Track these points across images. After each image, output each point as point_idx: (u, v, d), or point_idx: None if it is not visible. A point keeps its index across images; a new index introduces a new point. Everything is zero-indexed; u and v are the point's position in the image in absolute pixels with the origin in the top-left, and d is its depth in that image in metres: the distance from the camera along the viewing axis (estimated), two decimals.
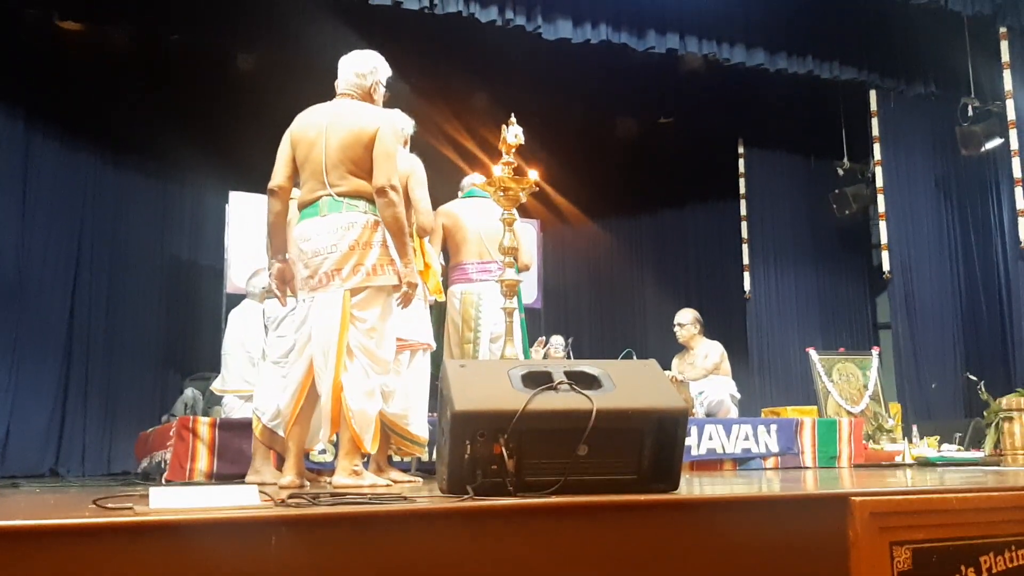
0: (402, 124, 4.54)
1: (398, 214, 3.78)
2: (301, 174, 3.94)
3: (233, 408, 5.70)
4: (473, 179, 5.35)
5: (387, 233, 3.83)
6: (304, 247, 3.85)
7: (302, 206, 3.91)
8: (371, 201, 3.82)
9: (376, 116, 3.92)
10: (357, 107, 3.98)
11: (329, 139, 3.85)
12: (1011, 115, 8.25)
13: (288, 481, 3.80)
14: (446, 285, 5.10)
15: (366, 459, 4.13)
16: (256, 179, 8.19)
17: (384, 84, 4.21)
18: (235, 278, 7.78)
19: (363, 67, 4.12)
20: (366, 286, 3.77)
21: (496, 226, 4.46)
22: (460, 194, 5.40)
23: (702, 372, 7.08)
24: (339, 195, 3.81)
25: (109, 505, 2.00)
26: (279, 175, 3.94)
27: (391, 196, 3.75)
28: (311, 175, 3.88)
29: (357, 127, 3.84)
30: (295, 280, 3.95)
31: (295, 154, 3.94)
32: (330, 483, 3.84)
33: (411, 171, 4.46)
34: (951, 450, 6.99)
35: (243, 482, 4.20)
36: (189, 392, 6.49)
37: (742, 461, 6.17)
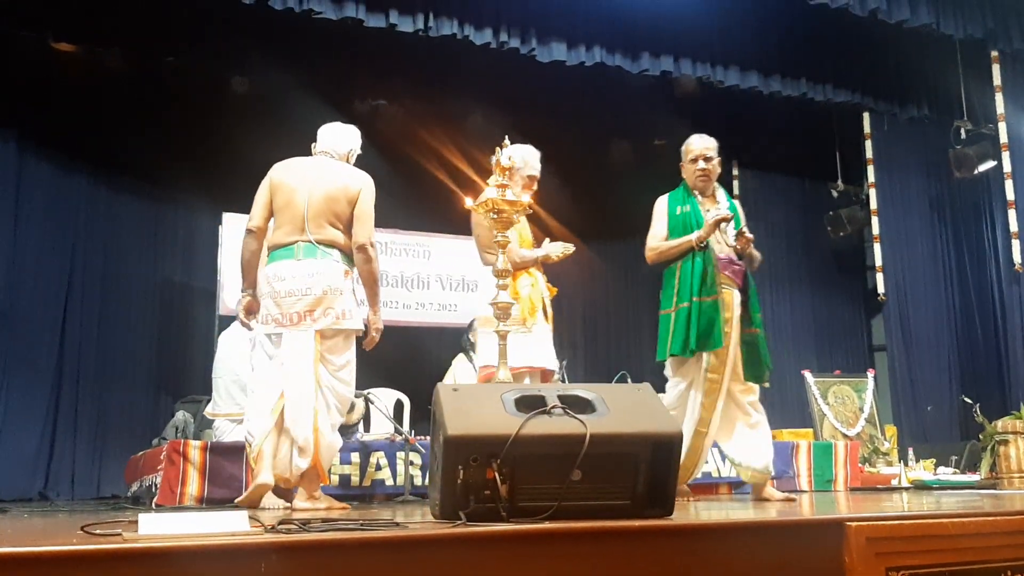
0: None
1: (374, 269, 4.27)
2: (277, 218, 4.30)
3: (224, 432, 5.65)
4: None
5: (356, 282, 4.29)
6: (277, 286, 4.18)
7: (274, 247, 4.28)
8: (344, 251, 4.24)
9: (360, 177, 4.37)
10: (340, 166, 4.43)
11: (314, 190, 4.22)
12: (1004, 138, 8.29)
13: (271, 503, 4.19)
14: None
15: None
16: (249, 201, 8.17)
17: (357, 155, 4.66)
18: (228, 300, 7.76)
19: (343, 137, 4.58)
20: (336, 328, 4.15)
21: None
22: None
23: None
24: (317, 242, 4.18)
25: (97, 531, 1.98)
26: (257, 217, 4.34)
27: (370, 252, 4.24)
28: (289, 220, 4.24)
29: (343, 183, 4.28)
30: (258, 313, 4.33)
31: (273, 199, 4.31)
32: (290, 506, 4.17)
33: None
34: (947, 473, 6.99)
35: (235, 506, 4.23)
36: (180, 415, 6.43)
37: (737, 485, 6.13)
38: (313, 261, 4.15)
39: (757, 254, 4.77)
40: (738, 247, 4.66)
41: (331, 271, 4.15)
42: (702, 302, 4.50)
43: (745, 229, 4.68)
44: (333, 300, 4.13)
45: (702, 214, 4.70)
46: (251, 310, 4.32)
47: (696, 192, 4.82)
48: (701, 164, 4.78)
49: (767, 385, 4.71)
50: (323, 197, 4.21)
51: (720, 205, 4.78)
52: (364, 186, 4.31)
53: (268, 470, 4.05)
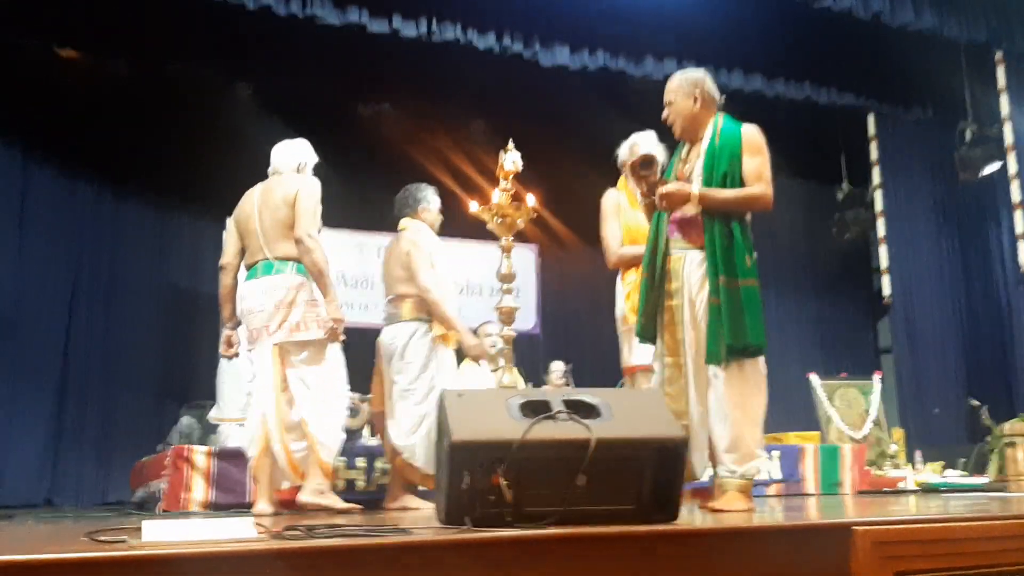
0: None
1: (315, 259, 4.25)
2: (245, 246, 4.50)
3: (229, 437, 5.66)
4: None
5: (315, 291, 4.31)
6: (241, 306, 4.39)
7: (246, 269, 4.46)
8: (298, 261, 4.31)
9: (297, 181, 4.47)
10: (283, 180, 4.52)
11: (263, 209, 4.40)
12: (1008, 139, 8.28)
13: (260, 509, 4.22)
14: None
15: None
16: None
17: (311, 166, 4.71)
18: None
19: (290, 152, 4.68)
20: (296, 341, 4.26)
21: None
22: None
23: None
24: (274, 258, 4.34)
25: (102, 538, 1.98)
26: (227, 253, 4.55)
27: (307, 243, 4.24)
28: (251, 244, 4.44)
29: (283, 193, 4.39)
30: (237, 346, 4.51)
31: (238, 230, 4.53)
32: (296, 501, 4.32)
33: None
34: (955, 476, 6.96)
35: (246, 512, 4.31)
36: (185, 421, 6.43)
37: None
38: (268, 278, 4.31)
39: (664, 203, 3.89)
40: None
41: (282, 284, 4.28)
42: (643, 276, 3.98)
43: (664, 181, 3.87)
44: (286, 313, 4.25)
45: (675, 164, 4.06)
46: (230, 342, 4.47)
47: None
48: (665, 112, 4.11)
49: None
50: (270, 213, 4.37)
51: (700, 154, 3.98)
52: (301, 186, 4.40)
53: (264, 499, 4.27)
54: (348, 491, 5.21)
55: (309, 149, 4.72)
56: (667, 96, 4.03)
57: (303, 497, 4.26)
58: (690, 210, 3.79)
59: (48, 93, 7.74)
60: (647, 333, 3.91)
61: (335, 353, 4.37)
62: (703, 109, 4.00)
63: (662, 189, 3.77)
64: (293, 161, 4.62)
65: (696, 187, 3.75)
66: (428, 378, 4.79)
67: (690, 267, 3.79)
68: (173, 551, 1.75)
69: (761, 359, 3.72)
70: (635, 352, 4.50)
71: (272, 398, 4.24)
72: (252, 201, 4.49)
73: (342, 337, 4.33)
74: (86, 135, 8.08)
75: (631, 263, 4.68)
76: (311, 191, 4.39)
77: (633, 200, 4.66)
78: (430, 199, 5.20)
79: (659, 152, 4.60)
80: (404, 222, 5.11)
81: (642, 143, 4.71)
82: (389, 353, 4.88)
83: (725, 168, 3.81)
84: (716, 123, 3.99)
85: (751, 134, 3.91)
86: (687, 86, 4.03)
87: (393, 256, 4.99)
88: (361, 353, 5.17)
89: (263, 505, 4.25)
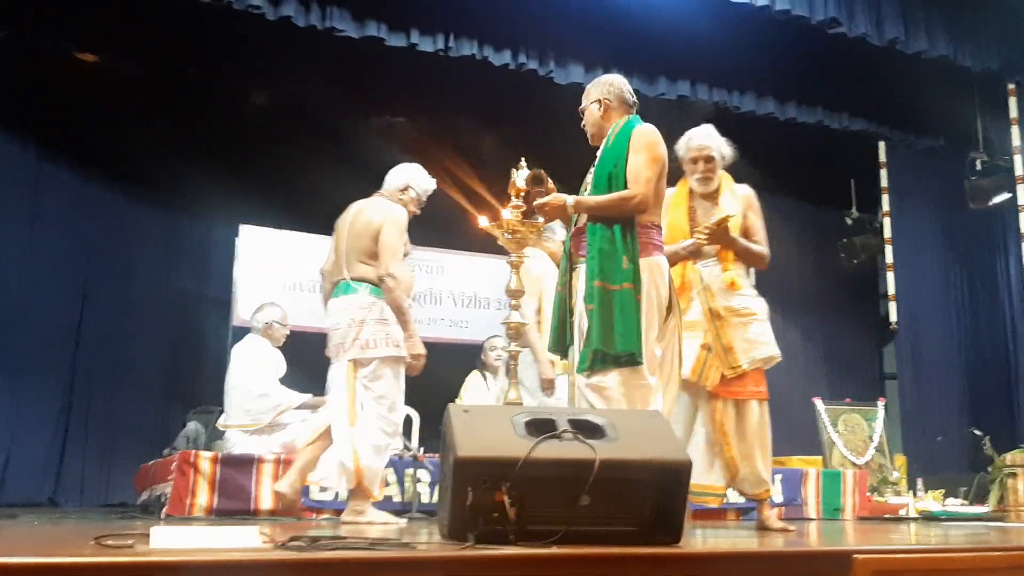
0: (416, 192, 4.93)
1: (395, 298, 4.47)
2: (334, 260, 4.75)
3: (235, 443, 5.68)
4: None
5: (386, 311, 4.52)
6: (326, 323, 4.69)
7: (331, 286, 4.73)
8: (374, 284, 4.54)
9: (385, 211, 4.63)
10: (374, 203, 4.71)
11: (349, 231, 4.65)
12: (1019, 170, 8.27)
13: (282, 488, 4.54)
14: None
15: None
16: (266, 213, 8.28)
17: (417, 191, 4.87)
18: (242, 312, 7.78)
19: (397, 174, 4.87)
20: (367, 358, 4.48)
21: None
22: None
23: None
24: (351, 279, 4.58)
25: (110, 543, 2.00)
26: (326, 260, 4.85)
27: (388, 283, 4.47)
28: (337, 260, 4.71)
29: (367, 219, 4.61)
30: None
31: (333, 241, 4.81)
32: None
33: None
34: (956, 505, 6.95)
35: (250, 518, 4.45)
36: (191, 426, 6.45)
37: (746, 511, 6.11)
38: (344, 297, 4.58)
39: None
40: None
41: (355, 304, 4.52)
42: (556, 291, 3.96)
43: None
44: (358, 331, 4.48)
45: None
46: None
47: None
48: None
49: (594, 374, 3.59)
50: (352, 236, 4.62)
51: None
52: (387, 219, 4.57)
53: (287, 480, 4.58)
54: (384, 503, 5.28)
55: (420, 174, 4.89)
56: (581, 105, 4.07)
57: (344, 517, 4.54)
58: (582, 220, 3.79)
59: (64, 94, 7.77)
60: (556, 347, 3.92)
61: (395, 376, 4.55)
62: (609, 112, 3.99)
63: (538, 201, 3.79)
64: (397, 183, 4.81)
65: (572, 197, 3.76)
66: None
67: (581, 280, 3.72)
68: (180, 558, 1.77)
69: (642, 370, 3.54)
70: None
71: (345, 411, 4.48)
72: (344, 220, 4.74)
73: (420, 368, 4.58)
74: (100, 136, 8.12)
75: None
76: (394, 225, 4.57)
77: (683, 197, 4.61)
78: (555, 230, 5.57)
79: (716, 146, 4.59)
80: (526, 249, 5.25)
81: (696, 137, 4.66)
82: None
83: (611, 169, 3.77)
84: (618, 126, 3.92)
85: (639, 133, 3.84)
86: (594, 92, 4.05)
87: None
88: None
89: (283, 484, 4.55)
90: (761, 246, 4.48)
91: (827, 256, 10.04)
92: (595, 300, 3.56)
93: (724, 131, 8.53)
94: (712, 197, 4.51)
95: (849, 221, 9.82)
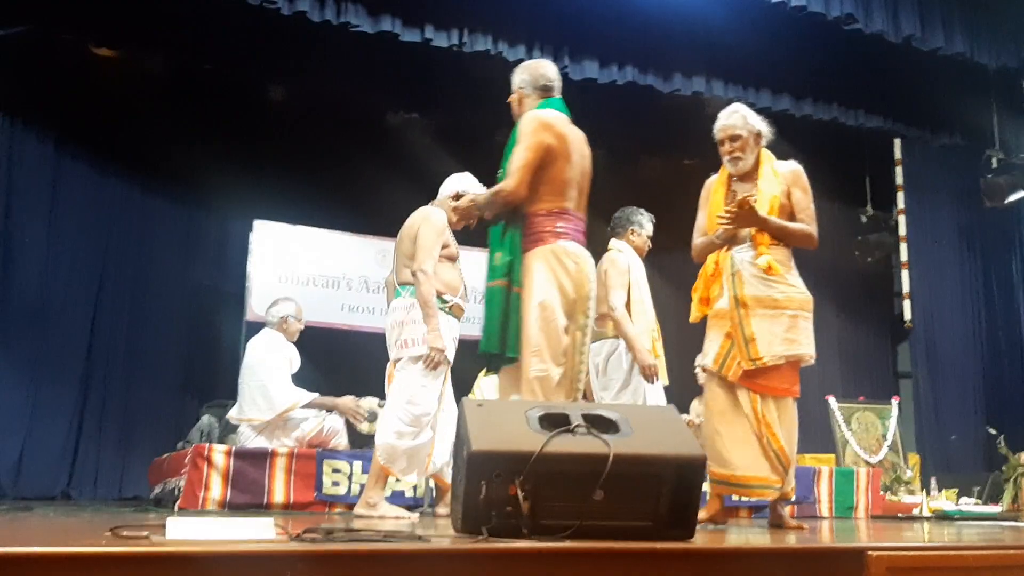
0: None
1: (422, 291, 4.54)
2: None
3: (248, 437, 5.69)
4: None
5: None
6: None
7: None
8: (413, 285, 4.63)
9: (424, 212, 4.76)
10: (421, 209, 4.84)
11: (398, 240, 4.83)
12: None
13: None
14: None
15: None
16: (281, 208, 8.29)
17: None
18: (256, 306, 7.80)
19: (450, 181, 5.00)
20: (407, 356, 4.60)
21: None
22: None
23: None
24: (398, 283, 4.76)
25: (125, 534, 2.01)
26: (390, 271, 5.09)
27: (418, 277, 4.56)
28: (393, 269, 4.91)
29: (409, 223, 4.77)
30: None
31: None
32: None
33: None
34: (969, 504, 6.93)
35: (262, 511, 4.41)
36: (205, 419, 6.47)
37: (758, 509, 6.10)
38: (393, 301, 4.79)
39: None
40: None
41: (399, 307, 4.71)
42: None
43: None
44: (399, 332, 4.66)
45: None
46: None
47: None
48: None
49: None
50: (399, 243, 4.81)
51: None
52: (424, 219, 4.70)
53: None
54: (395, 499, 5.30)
55: (470, 181, 4.95)
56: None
57: (357, 510, 4.66)
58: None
59: (83, 89, 7.81)
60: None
61: (422, 372, 4.59)
62: (524, 101, 3.96)
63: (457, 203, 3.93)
64: (448, 190, 4.92)
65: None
66: (630, 393, 5.25)
67: None
68: (196, 549, 1.78)
69: (534, 362, 3.45)
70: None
71: (392, 405, 4.69)
72: (401, 229, 4.87)
73: (441, 366, 4.63)
74: (118, 131, 8.16)
75: (701, 255, 4.49)
76: (430, 225, 4.68)
77: (722, 182, 4.52)
78: (643, 224, 5.76)
79: (742, 124, 4.48)
80: (612, 242, 5.63)
81: (721, 117, 4.55)
82: (591, 369, 5.21)
83: (506, 163, 3.67)
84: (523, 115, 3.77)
85: (522, 121, 3.73)
86: (513, 81, 4.02)
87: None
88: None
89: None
90: (804, 224, 4.32)
91: (842, 254, 9.99)
92: (500, 276, 3.54)
93: None
94: (751, 177, 4.40)
95: (864, 219, 9.77)
